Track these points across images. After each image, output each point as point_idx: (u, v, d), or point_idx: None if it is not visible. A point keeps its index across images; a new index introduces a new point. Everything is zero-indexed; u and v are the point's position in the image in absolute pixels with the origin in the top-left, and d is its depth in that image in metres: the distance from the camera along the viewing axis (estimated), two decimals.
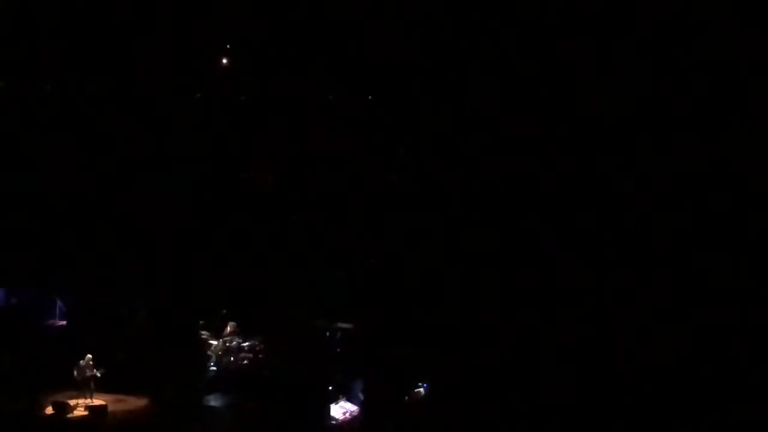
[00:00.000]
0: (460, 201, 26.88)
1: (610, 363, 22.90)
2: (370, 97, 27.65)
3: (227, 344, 27.92)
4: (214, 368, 27.43)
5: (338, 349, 27.54)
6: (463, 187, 26.53)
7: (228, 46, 28.16)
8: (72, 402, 24.82)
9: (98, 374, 25.28)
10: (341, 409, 24.79)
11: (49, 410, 24.45)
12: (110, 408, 24.60)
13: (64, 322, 29.39)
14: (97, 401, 24.97)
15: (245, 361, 27.66)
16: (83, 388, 25.29)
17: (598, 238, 24.27)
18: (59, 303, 29.62)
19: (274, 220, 29.64)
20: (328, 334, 28.32)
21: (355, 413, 24.86)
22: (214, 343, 28.07)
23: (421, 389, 25.24)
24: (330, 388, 25.45)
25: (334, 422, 24.41)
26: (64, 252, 30.22)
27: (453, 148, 26.48)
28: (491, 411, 22.94)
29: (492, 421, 22.44)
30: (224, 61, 28.20)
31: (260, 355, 27.52)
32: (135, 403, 25.50)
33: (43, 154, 30.15)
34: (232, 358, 27.65)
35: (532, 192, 25.31)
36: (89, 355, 25.43)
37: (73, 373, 25.32)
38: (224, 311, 28.98)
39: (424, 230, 27.56)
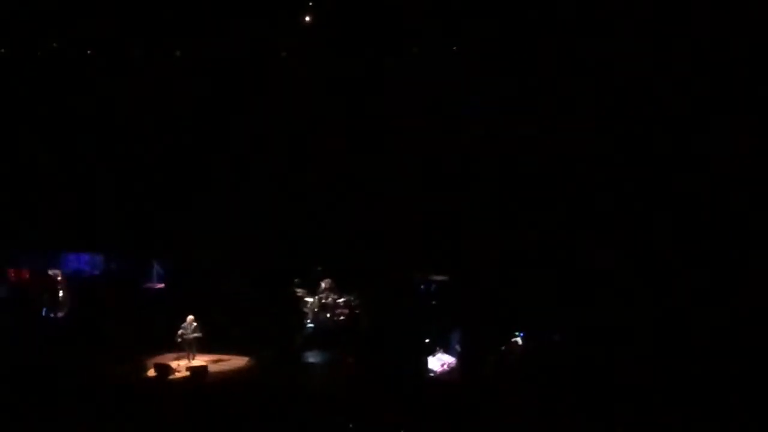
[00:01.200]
0: None
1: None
2: None
3: (323, 301, 27.95)
4: (311, 325, 27.50)
5: (433, 302, 27.43)
6: None
7: None
8: (173, 364, 25.13)
9: (200, 335, 25.57)
10: (439, 362, 24.67)
11: (152, 372, 24.79)
12: (210, 368, 24.83)
13: (162, 285, 29.74)
14: (197, 362, 25.24)
15: (341, 317, 27.66)
16: (186, 349, 25.60)
17: None
18: (156, 266, 29.96)
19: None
20: (423, 287, 28.24)
21: (452, 365, 24.69)
22: (310, 300, 28.13)
23: (518, 339, 24.96)
24: (427, 340, 25.32)
25: (432, 374, 24.30)
26: (160, 215, 30.67)
27: None
28: (587, 361, 22.58)
29: (588, 371, 22.05)
30: None
31: (356, 311, 27.47)
32: (235, 362, 25.76)
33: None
34: (328, 315, 27.70)
35: None
36: (191, 317, 25.69)
37: (174, 335, 25.65)
38: (319, 268, 28.98)
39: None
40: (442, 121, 28.40)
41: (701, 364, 21.56)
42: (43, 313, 28.93)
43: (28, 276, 29.88)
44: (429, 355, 24.76)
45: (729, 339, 22.09)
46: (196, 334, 25.55)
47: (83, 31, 29.24)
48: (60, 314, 29.02)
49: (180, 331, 25.58)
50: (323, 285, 28.36)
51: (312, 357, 26.03)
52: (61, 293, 29.57)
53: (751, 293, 22.79)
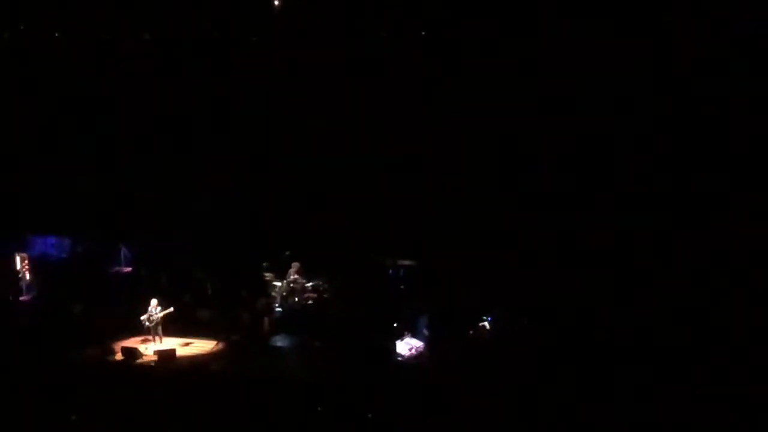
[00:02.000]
0: None
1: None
2: None
3: (291, 285, 27.94)
4: (279, 309, 27.48)
5: (402, 287, 27.51)
6: None
7: None
8: (141, 347, 25.08)
9: (169, 310, 25.51)
10: (407, 346, 24.72)
11: (119, 356, 24.70)
12: (178, 352, 24.76)
13: (130, 269, 29.61)
14: (165, 346, 25.18)
15: (310, 302, 27.66)
16: (151, 332, 25.58)
17: None
18: (124, 250, 29.82)
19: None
20: (391, 271, 28.32)
21: (420, 349, 24.77)
22: (279, 284, 28.12)
23: (486, 323, 25.09)
24: (395, 325, 25.39)
25: (400, 359, 24.36)
26: (127, 199, 30.56)
27: None
28: (556, 344, 22.75)
29: (556, 354, 22.22)
30: None
31: (325, 295, 27.47)
32: (202, 346, 25.68)
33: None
34: (296, 299, 27.68)
35: None
36: (154, 300, 25.66)
37: (141, 319, 25.61)
38: (288, 252, 28.97)
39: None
40: (407, 110, 28.49)
41: (667, 340, 21.84)
42: (9, 298, 28.74)
43: None
44: (397, 339, 24.79)
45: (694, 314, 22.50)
46: (158, 317, 25.49)
47: (52, 13, 29.03)
48: (26, 298, 28.84)
49: (145, 315, 25.54)
50: (292, 269, 28.35)
51: (279, 341, 26.01)
52: (27, 276, 29.44)
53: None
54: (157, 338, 25.60)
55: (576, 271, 24.83)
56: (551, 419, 19.09)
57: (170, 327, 25.93)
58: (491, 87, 27.31)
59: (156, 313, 25.53)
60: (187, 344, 25.66)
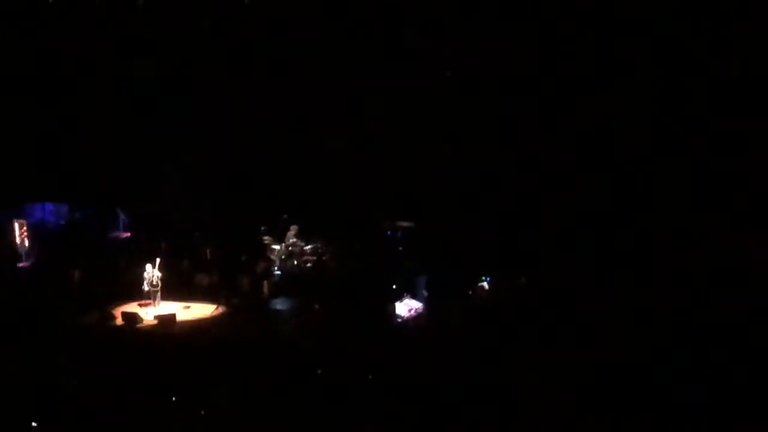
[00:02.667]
0: None
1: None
2: None
3: (290, 248, 27.95)
4: (278, 272, 27.49)
5: (400, 248, 27.52)
6: None
7: None
8: (141, 312, 25.13)
9: (160, 275, 25.55)
10: (406, 307, 24.76)
11: (119, 321, 24.75)
12: (178, 317, 24.81)
13: (129, 234, 29.58)
14: (165, 310, 25.22)
15: (308, 264, 27.68)
16: (150, 296, 25.62)
17: None
18: (122, 215, 29.78)
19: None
20: (389, 233, 28.32)
21: (420, 310, 24.82)
22: (277, 247, 28.14)
23: (485, 283, 25.14)
24: (394, 286, 25.43)
25: (399, 320, 24.41)
26: (125, 163, 30.49)
27: None
28: (554, 302, 22.81)
29: (554, 314, 22.28)
30: None
31: (323, 258, 27.48)
32: (202, 310, 25.72)
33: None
34: (295, 262, 27.70)
35: None
36: (149, 265, 25.67)
37: (141, 284, 25.65)
38: (285, 216, 28.97)
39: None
40: (400, 79, 28.39)
41: (665, 301, 21.87)
42: (8, 264, 28.77)
43: None
44: (396, 300, 24.83)
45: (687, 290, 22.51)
46: (157, 281, 25.50)
47: None
48: (24, 264, 28.86)
49: (146, 280, 25.58)
50: (290, 232, 28.36)
51: (279, 304, 26.06)
52: (26, 243, 29.47)
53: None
54: (155, 302, 25.61)
55: (573, 233, 24.89)
56: (549, 379, 19.11)
57: (171, 291, 25.96)
58: None
59: (156, 275, 25.54)
60: (186, 308, 25.70)
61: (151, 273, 25.58)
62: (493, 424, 17.63)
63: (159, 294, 25.65)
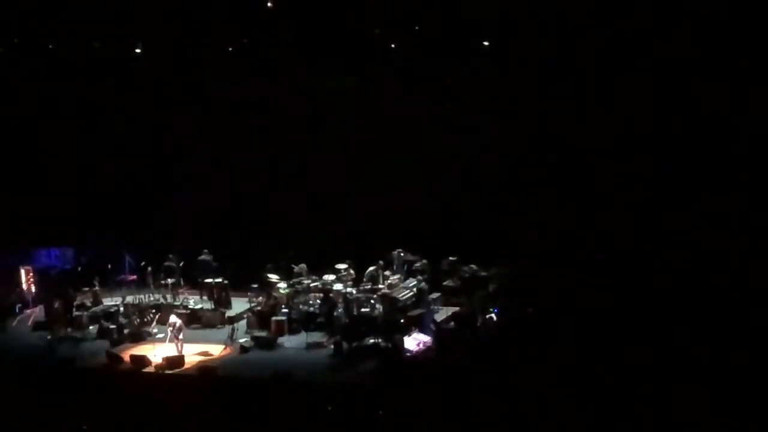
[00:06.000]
0: None
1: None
2: None
3: (297, 286, 27.90)
4: (285, 310, 27.34)
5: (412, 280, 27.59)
6: None
7: None
8: (150, 354, 24.98)
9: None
10: (414, 341, 24.69)
11: (128, 364, 24.67)
12: (187, 358, 24.71)
13: (135, 277, 29.57)
14: (172, 353, 24.95)
15: (317, 301, 27.55)
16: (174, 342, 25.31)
17: None
18: (128, 258, 29.78)
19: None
20: (395, 267, 28.35)
21: (428, 344, 24.76)
22: (283, 285, 28.05)
23: (493, 315, 25.11)
24: (401, 321, 25.38)
25: (408, 354, 24.34)
26: (127, 207, 30.65)
27: None
28: (562, 335, 22.76)
29: (562, 345, 22.22)
30: None
31: (330, 294, 27.40)
32: (211, 349, 25.66)
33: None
34: (303, 300, 27.59)
35: None
36: (173, 315, 25.68)
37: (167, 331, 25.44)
38: (292, 253, 28.98)
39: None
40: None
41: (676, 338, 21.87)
42: (16, 310, 28.78)
43: None
44: (404, 335, 24.76)
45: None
46: (179, 332, 25.23)
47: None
48: (32, 311, 28.89)
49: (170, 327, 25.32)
50: (296, 270, 28.37)
51: (287, 342, 26.00)
52: (33, 289, 29.50)
53: None
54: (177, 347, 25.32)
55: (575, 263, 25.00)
56: (560, 408, 19.05)
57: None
58: None
59: (176, 330, 25.22)
60: (195, 348, 25.55)
61: (175, 321, 25.33)
62: None
63: (181, 343, 25.27)
